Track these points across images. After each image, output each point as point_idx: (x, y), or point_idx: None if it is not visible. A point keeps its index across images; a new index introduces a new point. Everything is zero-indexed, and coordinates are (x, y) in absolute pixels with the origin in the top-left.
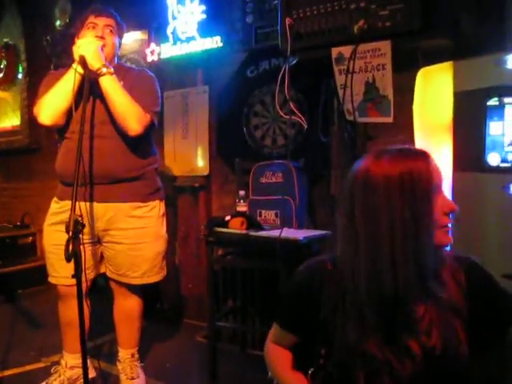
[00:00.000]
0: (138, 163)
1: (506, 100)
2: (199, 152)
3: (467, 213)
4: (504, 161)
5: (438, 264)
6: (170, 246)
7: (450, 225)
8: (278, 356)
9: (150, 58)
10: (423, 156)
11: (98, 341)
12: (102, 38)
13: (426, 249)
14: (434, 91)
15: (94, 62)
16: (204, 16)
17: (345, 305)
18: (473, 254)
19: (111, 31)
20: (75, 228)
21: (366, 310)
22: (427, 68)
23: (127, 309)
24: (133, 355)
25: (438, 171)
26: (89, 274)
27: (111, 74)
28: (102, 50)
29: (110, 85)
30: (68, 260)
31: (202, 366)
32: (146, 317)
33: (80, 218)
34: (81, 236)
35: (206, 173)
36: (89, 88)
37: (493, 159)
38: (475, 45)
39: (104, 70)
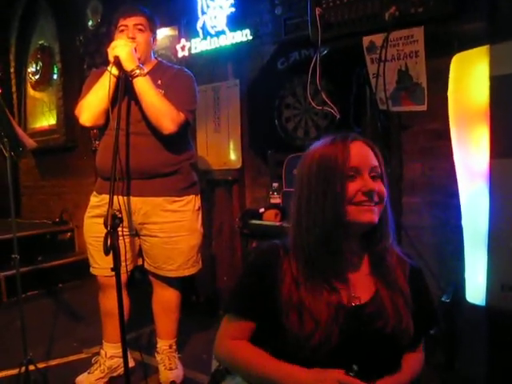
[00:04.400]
0: (173, 159)
1: None
2: (231, 145)
3: (506, 200)
4: None
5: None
6: (205, 240)
7: (372, 205)
8: (250, 349)
9: (180, 54)
10: (344, 142)
11: (138, 332)
12: (133, 38)
13: (334, 221)
14: (470, 77)
15: (128, 64)
16: (233, 9)
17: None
18: (509, 243)
19: (142, 30)
20: (113, 222)
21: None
22: (462, 53)
23: (165, 300)
24: (171, 346)
25: (358, 156)
26: (128, 265)
27: (144, 75)
28: (135, 50)
29: (143, 86)
30: (106, 253)
31: None
32: (182, 309)
33: (118, 213)
34: (120, 228)
35: (238, 166)
36: (124, 88)
37: None
38: (510, 28)
39: (137, 71)
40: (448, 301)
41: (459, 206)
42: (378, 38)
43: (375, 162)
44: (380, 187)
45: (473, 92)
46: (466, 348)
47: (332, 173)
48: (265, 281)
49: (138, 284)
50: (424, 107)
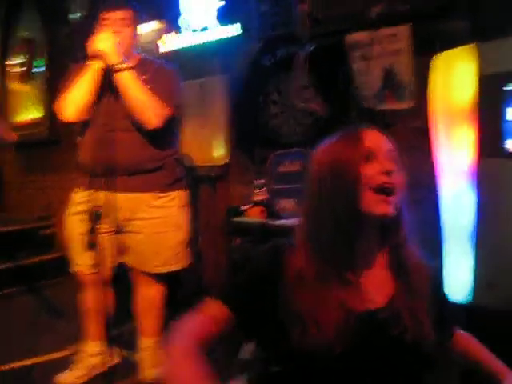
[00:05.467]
0: (159, 154)
1: None
2: (217, 141)
3: (489, 199)
4: None
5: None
6: (192, 236)
7: (389, 196)
8: (189, 323)
9: (166, 48)
10: (351, 136)
11: (121, 329)
12: (117, 32)
13: (348, 211)
14: (455, 76)
15: (112, 58)
16: (220, 5)
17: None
18: (497, 241)
19: (126, 24)
20: (94, 218)
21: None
22: (446, 52)
23: (150, 297)
24: (155, 343)
25: (371, 138)
26: (110, 262)
27: (128, 69)
28: (118, 44)
29: (127, 80)
30: (88, 249)
31: (223, 352)
32: (167, 305)
33: (99, 209)
34: (102, 225)
35: (224, 162)
36: (107, 83)
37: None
38: (493, 28)
39: (121, 65)
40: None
41: (441, 203)
42: (363, 36)
43: (391, 146)
44: (399, 172)
45: (456, 90)
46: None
47: (344, 158)
48: (265, 284)
49: (120, 281)
50: (408, 105)
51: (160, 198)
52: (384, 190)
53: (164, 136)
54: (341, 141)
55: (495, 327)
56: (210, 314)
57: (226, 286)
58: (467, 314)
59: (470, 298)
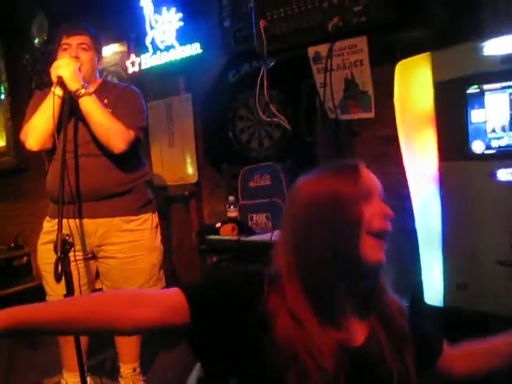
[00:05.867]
0: (127, 177)
1: (486, 87)
2: (187, 160)
3: (456, 202)
4: (488, 147)
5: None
6: (165, 256)
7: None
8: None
9: (130, 70)
10: (350, 172)
11: (100, 357)
12: (76, 58)
13: (343, 255)
14: (414, 83)
15: (72, 84)
16: (182, 23)
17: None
18: (465, 243)
19: (86, 48)
20: (63, 247)
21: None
22: (405, 60)
23: None
24: (134, 369)
25: (368, 178)
26: (84, 290)
27: (90, 94)
28: (79, 70)
29: (89, 106)
30: (58, 280)
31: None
32: None
33: (68, 237)
34: (73, 253)
35: (195, 180)
36: (68, 109)
37: (477, 147)
38: (451, 34)
39: (82, 91)
40: (407, 305)
41: (412, 209)
42: (323, 48)
43: (382, 188)
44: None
45: (417, 98)
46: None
47: (344, 196)
48: (236, 311)
49: None
50: (372, 114)
51: (131, 221)
52: (382, 236)
53: (131, 159)
54: (338, 176)
55: (468, 328)
56: (161, 299)
57: (197, 282)
58: (442, 317)
59: (442, 301)
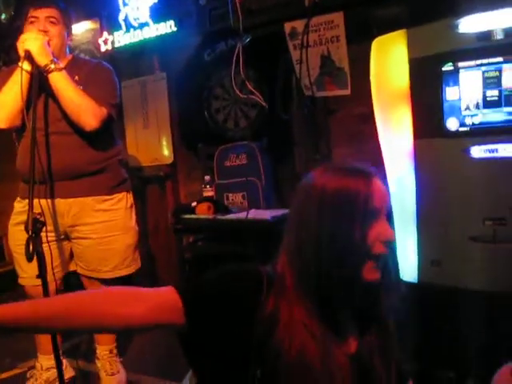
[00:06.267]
0: (99, 156)
1: (461, 64)
2: (162, 140)
3: (431, 179)
4: (462, 125)
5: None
6: (141, 238)
7: (377, 263)
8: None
9: (103, 48)
10: (367, 176)
11: (75, 340)
12: (44, 31)
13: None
14: (390, 60)
15: (41, 59)
16: (155, 0)
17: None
18: (440, 219)
19: (54, 22)
20: (34, 226)
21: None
22: (381, 37)
23: None
24: (111, 351)
25: (381, 194)
26: (57, 272)
27: (60, 69)
28: (48, 44)
29: (59, 81)
30: (29, 260)
31: (181, 353)
32: None
33: (39, 216)
34: (44, 234)
35: (170, 161)
36: (37, 85)
37: (451, 124)
38: (427, 11)
39: (52, 66)
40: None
41: (387, 186)
42: (299, 24)
43: (390, 203)
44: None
45: (393, 75)
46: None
47: (351, 211)
48: (235, 313)
49: (74, 289)
50: (348, 91)
51: (105, 201)
52: (379, 259)
53: (104, 137)
54: (350, 187)
55: (441, 303)
56: (155, 297)
57: (192, 281)
58: (416, 293)
59: (416, 277)
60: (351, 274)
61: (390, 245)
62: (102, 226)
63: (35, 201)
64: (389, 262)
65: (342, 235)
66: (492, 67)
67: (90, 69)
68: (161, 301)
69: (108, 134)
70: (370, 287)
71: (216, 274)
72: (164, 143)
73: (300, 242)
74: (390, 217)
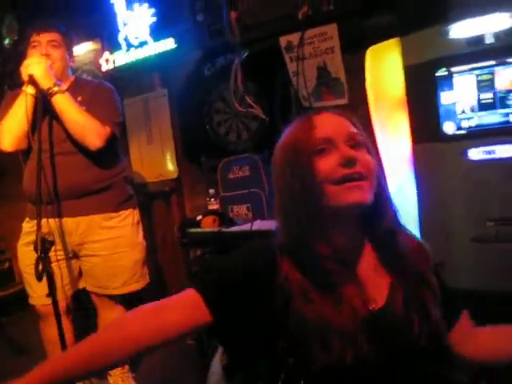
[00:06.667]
0: (105, 174)
1: (454, 69)
2: (166, 156)
3: (431, 183)
4: (459, 128)
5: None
6: (149, 253)
7: (359, 181)
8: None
9: (105, 68)
10: (308, 117)
11: None
12: (47, 55)
13: (311, 210)
14: (385, 68)
15: (45, 82)
16: (154, 19)
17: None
18: (441, 222)
19: (56, 46)
20: (43, 246)
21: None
22: (375, 46)
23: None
24: (123, 367)
25: (325, 126)
26: (67, 290)
27: (63, 92)
28: (50, 67)
29: (63, 103)
30: (39, 279)
31: (193, 368)
32: None
33: (48, 236)
34: (54, 253)
35: (175, 176)
36: (42, 108)
37: (448, 128)
38: (418, 18)
39: (55, 89)
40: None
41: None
42: (294, 37)
43: (353, 129)
44: (364, 156)
45: (388, 82)
46: None
47: (298, 151)
48: (256, 284)
49: (85, 306)
50: (345, 100)
51: (112, 218)
52: (348, 180)
53: (107, 155)
54: (293, 133)
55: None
56: (179, 301)
57: (206, 277)
58: None
59: None
60: (317, 205)
61: (351, 163)
62: (110, 243)
63: (43, 220)
64: (379, 184)
65: (297, 174)
66: (485, 71)
67: (92, 89)
68: (186, 305)
69: (112, 152)
70: (353, 212)
71: (227, 261)
72: (168, 158)
73: (277, 203)
74: (363, 146)
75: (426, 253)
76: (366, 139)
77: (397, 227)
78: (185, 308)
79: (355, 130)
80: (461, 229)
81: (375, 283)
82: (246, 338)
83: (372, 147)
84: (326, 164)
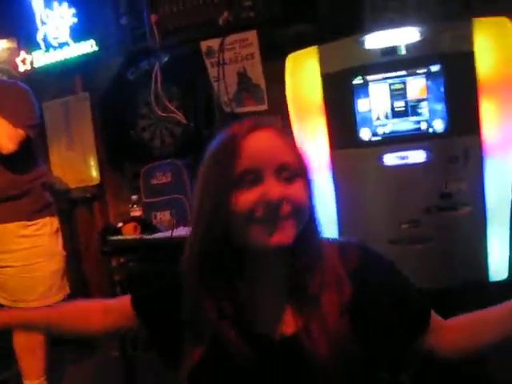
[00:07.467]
0: (20, 179)
1: (369, 78)
2: (88, 161)
3: (348, 188)
4: (374, 134)
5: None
6: (73, 262)
7: (282, 220)
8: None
9: (22, 68)
10: (237, 134)
11: (4, 375)
12: None
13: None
14: (304, 75)
15: None
16: (75, 20)
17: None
18: (358, 227)
19: None
20: None
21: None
22: (295, 54)
23: (30, 337)
24: (39, 378)
25: (255, 153)
26: None
27: None
28: None
29: None
30: None
31: (120, 380)
32: (53, 341)
33: None
34: None
35: (97, 182)
36: None
37: (364, 134)
38: (335, 28)
39: None
40: None
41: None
42: (215, 43)
43: (286, 157)
44: (294, 192)
45: (307, 89)
46: None
47: (215, 180)
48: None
49: None
50: (265, 106)
51: (28, 226)
52: (267, 221)
53: (23, 160)
54: (215, 156)
55: None
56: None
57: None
58: None
59: None
60: (227, 243)
61: (271, 207)
62: (26, 253)
63: None
64: (309, 224)
65: (216, 205)
66: (397, 80)
67: (4, 89)
68: (116, 309)
69: (28, 157)
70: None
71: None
72: (91, 164)
73: (192, 209)
74: (297, 177)
75: (351, 254)
76: (303, 166)
77: (316, 259)
78: (114, 313)
79: (289, 160)
80: (378, 231)
81: (286, 313)
82: (169, 348)
83: (308, 174)
84: (248, 200)
